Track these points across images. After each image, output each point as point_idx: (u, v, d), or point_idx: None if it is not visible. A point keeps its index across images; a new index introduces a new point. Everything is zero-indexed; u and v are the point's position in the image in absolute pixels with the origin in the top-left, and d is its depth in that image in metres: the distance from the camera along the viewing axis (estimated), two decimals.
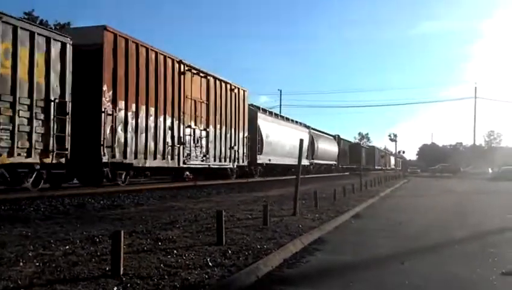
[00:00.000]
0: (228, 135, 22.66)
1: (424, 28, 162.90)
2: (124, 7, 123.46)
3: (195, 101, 19.48)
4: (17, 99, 11.05)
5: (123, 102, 14.79)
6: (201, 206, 11.11)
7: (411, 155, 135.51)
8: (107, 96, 14.11)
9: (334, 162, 49.66)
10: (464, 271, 5.89)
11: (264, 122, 28.10)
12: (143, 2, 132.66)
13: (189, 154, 18.84)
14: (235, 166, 23.67)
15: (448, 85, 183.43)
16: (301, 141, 11.22)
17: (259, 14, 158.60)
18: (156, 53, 16.71)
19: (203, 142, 20.19)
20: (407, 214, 13.21)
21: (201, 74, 20.12)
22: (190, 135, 19.00)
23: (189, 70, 19.05)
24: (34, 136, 11.46)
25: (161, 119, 16.86)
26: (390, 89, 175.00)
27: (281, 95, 64.53)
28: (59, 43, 12.39)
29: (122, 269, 4.51)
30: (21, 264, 4.76)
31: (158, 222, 8.31)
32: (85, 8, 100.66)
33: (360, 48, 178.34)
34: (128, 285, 4.19)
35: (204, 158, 20.26)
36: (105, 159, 14.06)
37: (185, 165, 18.73)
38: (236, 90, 23.74)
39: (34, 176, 11.98)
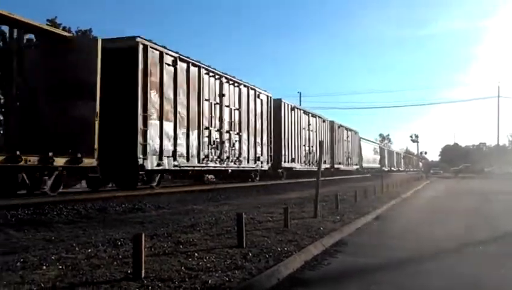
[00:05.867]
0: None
1: (437, 27, 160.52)
2: None
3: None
4: None
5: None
6: (221, 209, 11.14)
7: (433, 156, 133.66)
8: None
9: None
10: (487, 273, 5.78)
11: None
12: None
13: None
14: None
15: (469, 84, 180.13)
16: (321, 142, 11.19)
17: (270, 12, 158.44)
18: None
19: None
20: (430, 215, 13.04)
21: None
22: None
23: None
24: None
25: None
26: (409, 90, 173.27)
27: (300, 97, 63.75)
28: None
29: (143, 271, 4.53)
30: (44, 267, 4.82)
31: (179, 225, 8.35)
32: None
33: (368, 48, 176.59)
34: (150, 288, 4.21)
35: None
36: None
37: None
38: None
39: None
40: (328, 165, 35.90)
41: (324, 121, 36.81)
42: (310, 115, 33.50)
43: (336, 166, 38.96)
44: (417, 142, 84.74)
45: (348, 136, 44.48)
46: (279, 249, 6.28)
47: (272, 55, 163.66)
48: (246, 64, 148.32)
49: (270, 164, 25.51)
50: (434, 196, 22.23)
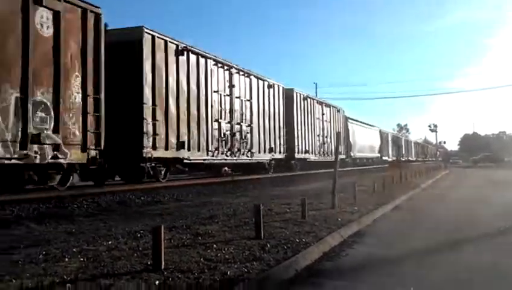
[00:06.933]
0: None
1: (455, 17, 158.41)
2: None
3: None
4: None
5: None
6: (238, 201, 11.19)
7: (453, 145, 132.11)
8: None
9: None
10: (509, 263, 5.72)
11: None
12: None
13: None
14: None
15: (489, 73, 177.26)
16: (338, 133, 11.15)
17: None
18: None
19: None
20: (449, 205, 12.92)
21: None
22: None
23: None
24: None
25: None
26: (426, 80, 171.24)
27: (316, 88, 63.13)
28: None
29: (163, 263, 4.58)
30: (66, 259, 4.89)
31: (197, 217, 8.41)
32: None
33: (384, 40, 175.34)
34: (170, 279, 4.25)
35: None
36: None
37: None
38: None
39: None
40: (281, 155, 24.60)
41: (271, 87, 23.46)
42: (235, 71, 19.91)
43: (300, 155, 27.04)
44: (436, 131, 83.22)
45: (324, 114, 31.54)
46: (297, 240, 6.29)
47: (285, 51, 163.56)
48: (262, 58, 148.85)
49: (96, 151, 11.97)
50: (452, 185, 22.03)
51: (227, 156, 18.95)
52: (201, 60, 17.33)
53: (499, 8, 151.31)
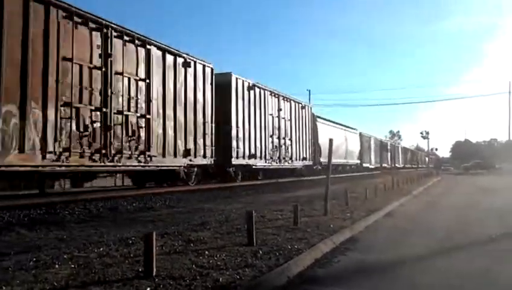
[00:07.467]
0: None
1: (448, 24, 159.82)
2: None
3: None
4: None
5: None
6: (230, 207, 11.16)
7: (444, 152, 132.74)
8: None
9: None
10: (500, 270, 5.74)
11: None
12: None
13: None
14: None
15: (481, 80, 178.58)
16: (331, 140, 11.16)
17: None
18: None
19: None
20: (440, 212, 12.96)
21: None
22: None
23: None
24: None
25: None
26: (419, 87, 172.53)
27: (310, 95, 63.06)
28: None
29: (154, 270, 4.56)
30: (57, 266, 4.86)
31: (189, 223, 8.38)
32: None
33: (378, 46, 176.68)
34: (161, 286, 4.23)
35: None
36: None
37: None
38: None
39: None
40: (207, 160, 18.19)
41: (189, 65, 17.04)
42: (116, 34, 13.39)
43: (239, 161, 21.04)
44: (427, 138, 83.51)
45: (281, 110, 25.75)
46: (289, 246, 6.29)
47: (284, 51, 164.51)
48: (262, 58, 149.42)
49: None
50: (444, 192, 22.10)
51: (94, 160, 12.45)
52: (36, 6, 10.90)
53: (498, 12, 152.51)
